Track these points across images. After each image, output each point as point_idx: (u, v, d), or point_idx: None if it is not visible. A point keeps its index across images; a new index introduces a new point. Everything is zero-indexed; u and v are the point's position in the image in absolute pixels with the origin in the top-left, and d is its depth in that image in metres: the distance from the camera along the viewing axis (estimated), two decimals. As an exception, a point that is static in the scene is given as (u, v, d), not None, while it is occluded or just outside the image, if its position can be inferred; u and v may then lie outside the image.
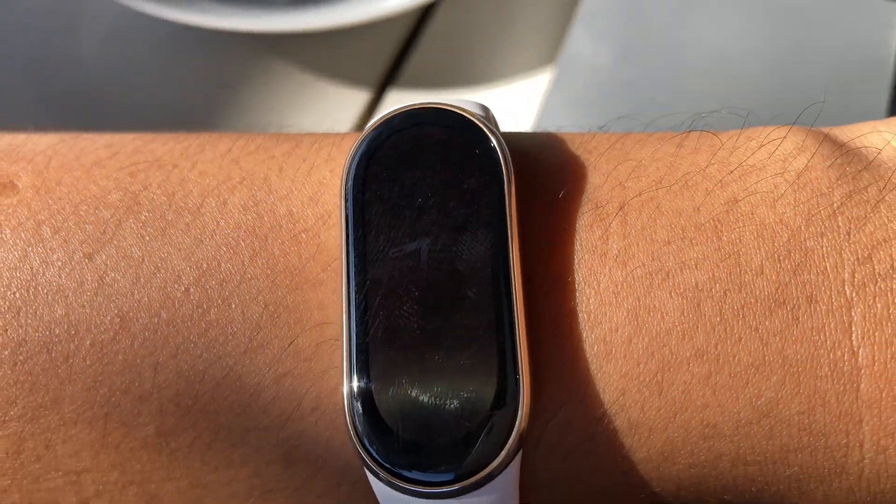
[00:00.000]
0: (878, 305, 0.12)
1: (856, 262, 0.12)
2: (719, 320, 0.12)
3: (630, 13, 0.29)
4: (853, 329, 0.12)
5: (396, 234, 0.13)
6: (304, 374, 0.13)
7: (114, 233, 0.14)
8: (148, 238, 0.13)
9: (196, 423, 0.13)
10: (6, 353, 0.13)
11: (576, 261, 0.13)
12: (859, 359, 0.12)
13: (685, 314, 0.12)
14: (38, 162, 0.15)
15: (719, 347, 0.12)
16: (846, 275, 0.12)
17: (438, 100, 0.13)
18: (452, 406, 0.12)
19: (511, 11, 0.31)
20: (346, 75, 0.31)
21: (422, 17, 0.32)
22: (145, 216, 0.14)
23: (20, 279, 0.13)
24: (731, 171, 0.13)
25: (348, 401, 0.12)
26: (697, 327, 0.12)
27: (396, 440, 0.12)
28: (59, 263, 0.13)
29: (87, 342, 0.13)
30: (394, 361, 0.12)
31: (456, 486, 0.12)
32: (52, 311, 0.13)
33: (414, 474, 0.12)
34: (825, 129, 0.14)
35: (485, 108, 0.14)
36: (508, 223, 0.12)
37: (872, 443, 0.12)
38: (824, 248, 0.13)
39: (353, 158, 0.13)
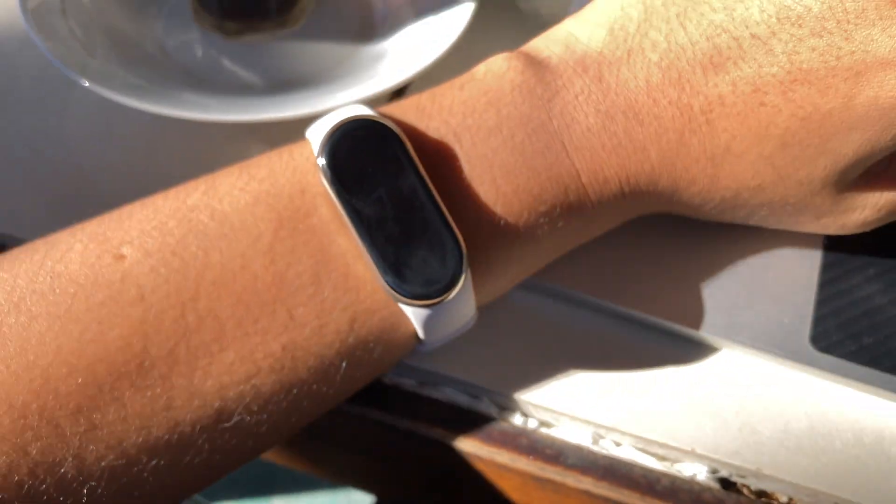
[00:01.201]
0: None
1: (547, 119, 0.23)
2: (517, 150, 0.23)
3: None
4: (568, 144, 0.23)
5: (369, 191, 0.21)
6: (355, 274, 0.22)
7: (207, 255, 0.21)
8: (215, 247, 0.21)
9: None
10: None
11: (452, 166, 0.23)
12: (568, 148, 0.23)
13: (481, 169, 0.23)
14: (132, 227, 0.22)
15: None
16: (561, 129, 0.23)
17: (359, 113, 0.22)
18: (434, 259, 0.21)
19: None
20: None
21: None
22: (216, 244, 0.21)
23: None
24: (484, 94, 0.23)
25: (383, 275, 0.21)
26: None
27: (415, 287, 0.21)
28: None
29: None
30: (396, 248, 0.21)
31: (456, 289, 0.22)
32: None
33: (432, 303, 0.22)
34: (529, 48, 0.25)
35: (371, 106, 0.23)
36: (419, 166, 0.22)
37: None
38: (542, 123, 0.23)
39: (324, 165, 0.21)
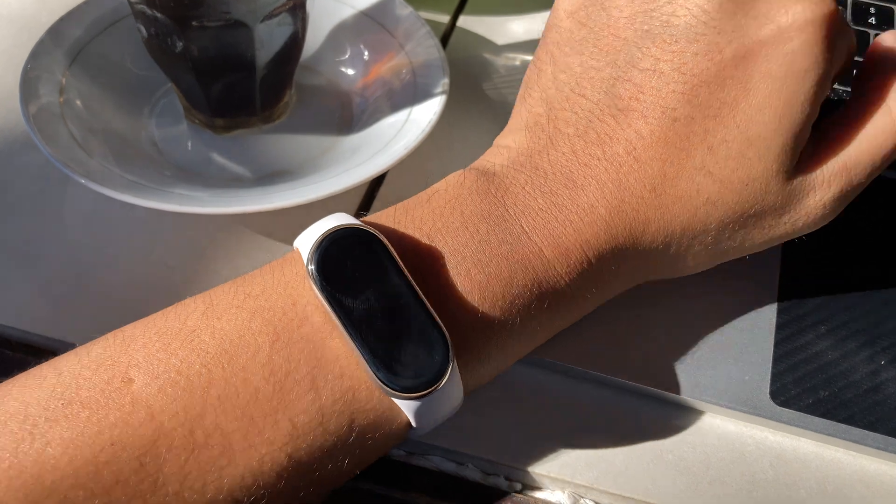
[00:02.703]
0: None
1: (504, 210, 0.26)
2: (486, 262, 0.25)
3: None
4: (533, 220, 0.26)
5: (356, 294, 0.23)
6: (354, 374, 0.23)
7: (211, 372, 0.22)
8: (217, 363, 0.22)
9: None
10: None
11: (432, 264, 0.25)
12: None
13: (470, 252, 0.25)
14: (137, 351, 0.23)
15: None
16: (520, 215, 0.26)
17: (344, 222, 0.24)
18: (422, 353, 0.23)
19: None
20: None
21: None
22: (219, 361, 0.22)
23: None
24: (448, 202, 0.26)
25: (375, 372, 0.23)
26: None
27: (406, 381, 0.23)
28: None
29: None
30: (386, 345, 0.23)
31: (444, 379, 0.23)
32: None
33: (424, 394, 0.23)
34: (476, 165, 0.28)
35: (353, 216, 0.25)
36: (402, 267, 0.23)
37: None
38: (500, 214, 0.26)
39: (313, 273, 0.23)
